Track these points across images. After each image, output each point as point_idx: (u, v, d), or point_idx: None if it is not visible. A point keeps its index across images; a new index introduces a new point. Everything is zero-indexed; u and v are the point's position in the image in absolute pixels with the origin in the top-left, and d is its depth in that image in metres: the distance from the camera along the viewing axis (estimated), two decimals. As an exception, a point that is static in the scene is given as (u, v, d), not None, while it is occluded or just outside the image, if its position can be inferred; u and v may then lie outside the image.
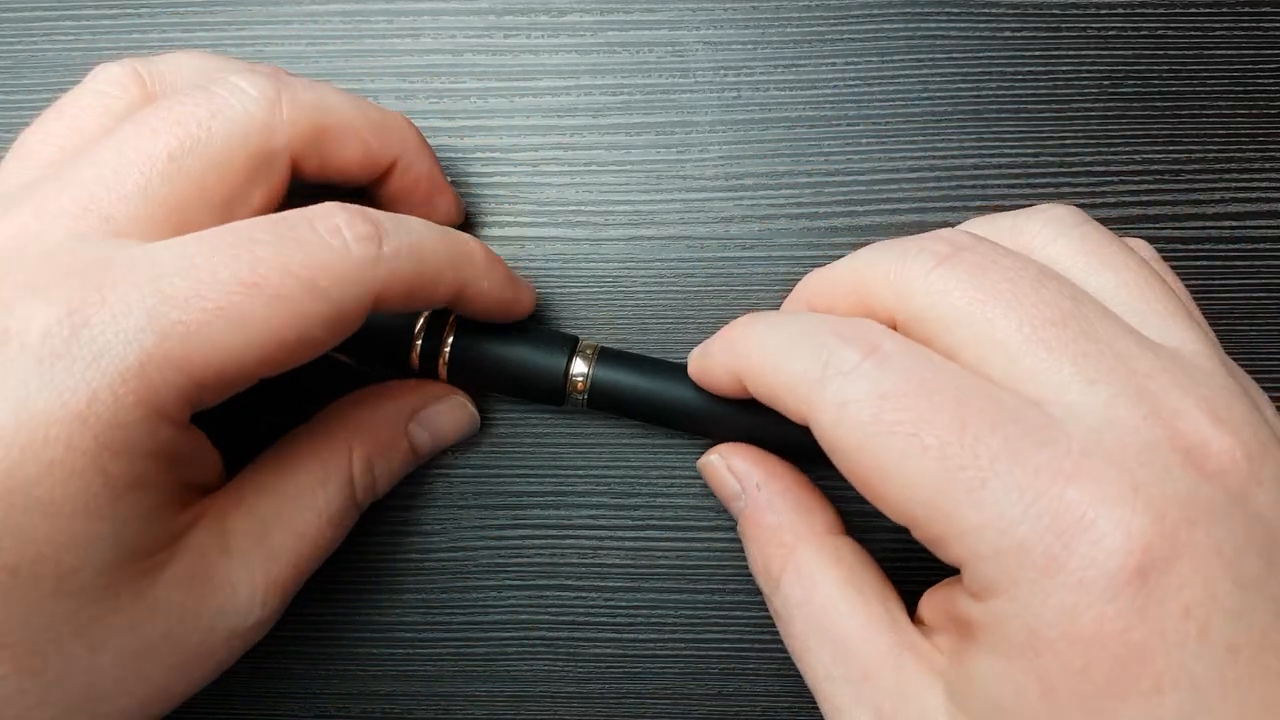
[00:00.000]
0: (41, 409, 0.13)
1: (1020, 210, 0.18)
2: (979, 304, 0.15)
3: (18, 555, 0.13)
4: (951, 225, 0.18)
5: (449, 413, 0.20)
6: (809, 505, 0.19)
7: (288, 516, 0.17)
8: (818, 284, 0.18)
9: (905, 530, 0.15)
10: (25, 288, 0.14)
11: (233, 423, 0.18)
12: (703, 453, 0.20)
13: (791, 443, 0.19)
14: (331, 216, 0.15)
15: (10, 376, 0.13)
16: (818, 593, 0.17)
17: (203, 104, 0.16)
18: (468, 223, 0.22)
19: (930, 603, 0.17)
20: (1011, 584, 0.13)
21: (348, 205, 0.16)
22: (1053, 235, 0.17)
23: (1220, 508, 0.13)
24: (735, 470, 0.19)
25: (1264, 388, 0.16)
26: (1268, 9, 0.22)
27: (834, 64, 0.22)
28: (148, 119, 0.16)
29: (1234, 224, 0.22)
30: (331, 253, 0.15)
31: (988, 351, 0.15)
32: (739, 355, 0.17)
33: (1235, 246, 0.22)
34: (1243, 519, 0.13)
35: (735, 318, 0.22)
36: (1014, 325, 0.15)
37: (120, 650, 0.15)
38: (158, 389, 0.14)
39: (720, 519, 0.22)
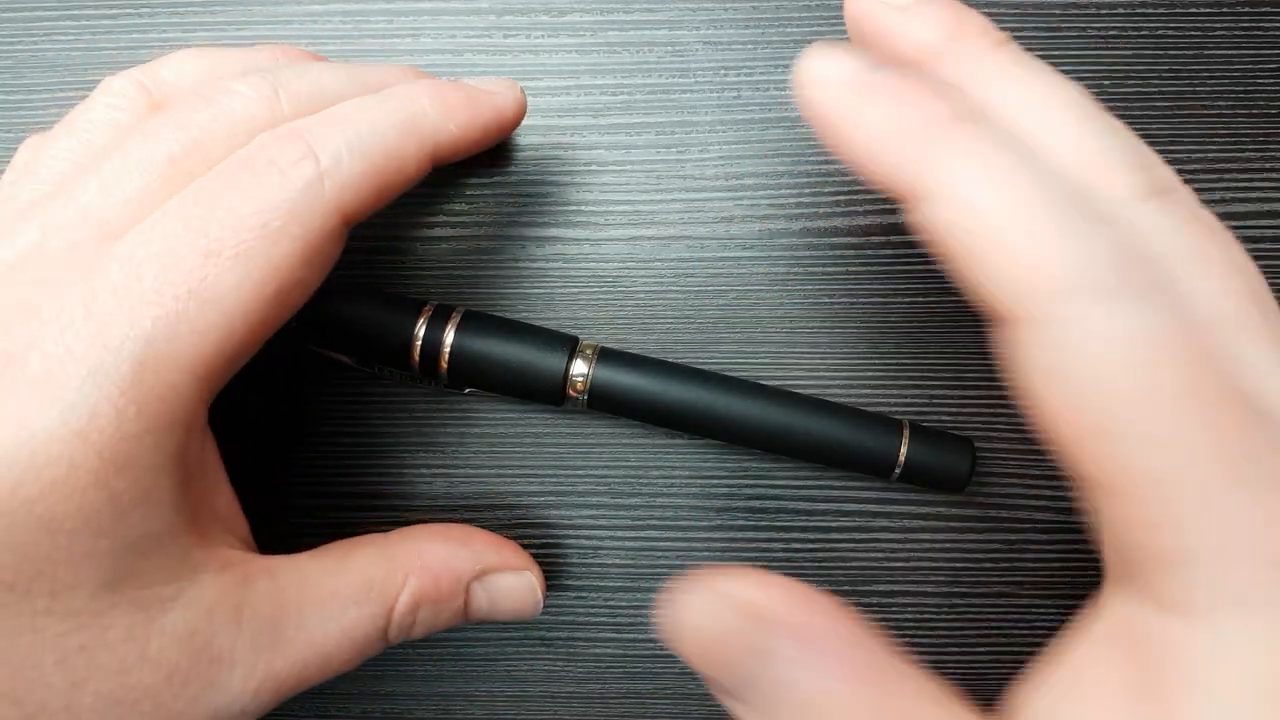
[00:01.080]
0: (42, 428, 0.13)
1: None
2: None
3: (15, 572, 0.13)
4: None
5: (516, 588, 0.19)
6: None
7: (309, 617, 0.16)
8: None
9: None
10: (19, 307, 0.14)
11: (229, 425, 0.18)
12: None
13: (794, 430, 0.19)
14: (262, 150, 0.15)
15: (10, 399, 0.13)
16: None
17: (202, 109, 0.16)
18: (468, 208, 0.22)
19: (1048, 684, 0.13)
20: (1249, 593, 0.10)
21: (276, 130, 0.15)
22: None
23: None
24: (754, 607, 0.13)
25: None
26: (1268, 9, 0.22)
27: (834, 64, 0.22)
28: (149, 127, 0.16)
29: (1234, 224, 0.22)
30: (272, 189, 0.15)
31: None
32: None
33: (1235, 246, 0.22)
34: None
35: (735, 318, 0.22)
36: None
37: (101, 694, 0.14)
38: (159, 394, 0.14)
39: (720, 519, 0.22)
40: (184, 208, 0.14)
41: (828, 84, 0.14)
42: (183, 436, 0.14)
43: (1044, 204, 0.12)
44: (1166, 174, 0.14)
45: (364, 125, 0.16)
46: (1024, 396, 0.12)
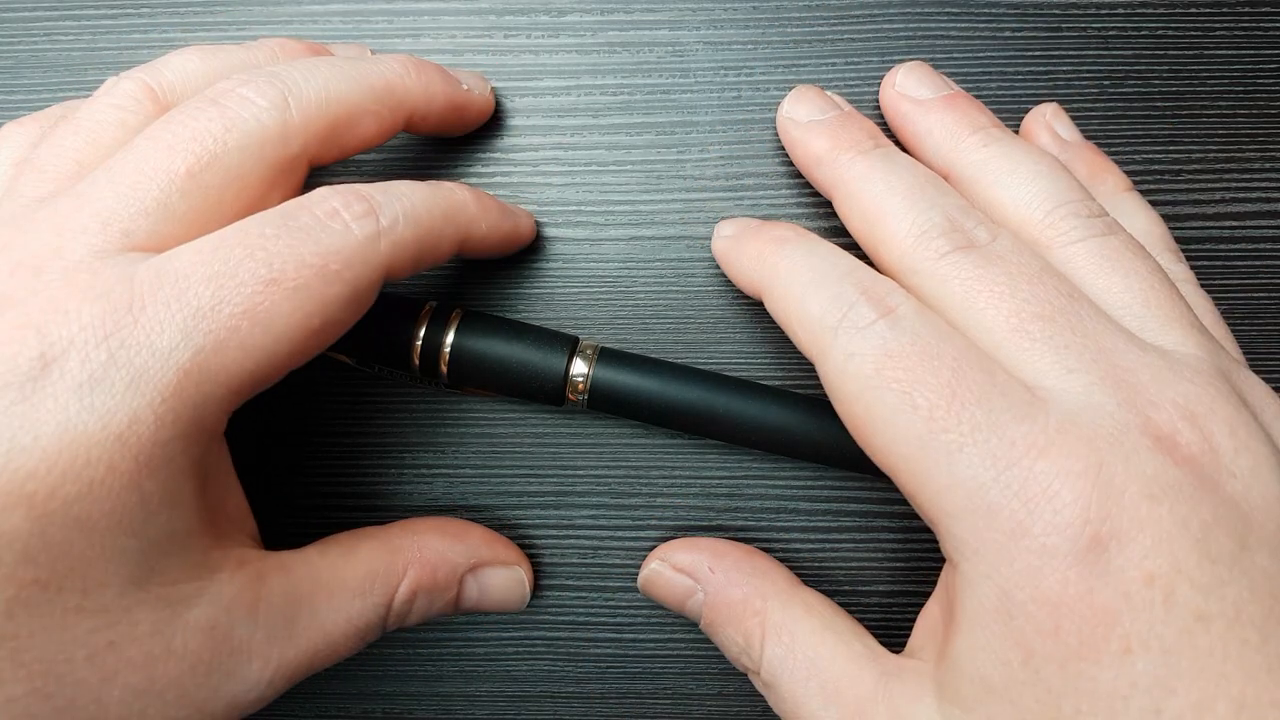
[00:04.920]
0: (83, 432, 0.13)
1: (1069, 202, 0.18)
2: (974, 295, 0.16)
3: (50, 570, 0.13)
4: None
5: (505, 581, 0.20)
6: (764, 568, 0.19)
7: (320, 608, 0.17)
8: (850, 183, 0.19)
9: (907, 533, 0.15)
10: (54, 309, 0.14)
11: (230, 426, 0.18)
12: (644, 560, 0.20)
13: (794, 430, 0.19)
14: (327, 201, 0.16)
15: (51, 401, 0.13)
16: (798, 645, 0.18)
17: (216, 119, 0.16)
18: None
19: (918, 626, 0.18)
20: (980, 544, 0.14)
21: (339, 187, 0.16)
22: (1077, 236, 0.17)
23: (1187, 489, 0.14)
24: (682, 566, 0.20)
25: (1264, 388, 0.16)
26: (1268, 9, 0.22)
27: (834, 64, 0.22)
28: (162, 135, 0.16)
29: (1234, 224, 0.22)
30: (336, 236, 0.16)
31: (976, 338, 0.16)
32: (767, 270, 0.18)
33: (1235, 246, 0.22)
34: (1212, 501, 0.14)
35: (735, 318, 0.22)
36: (1001, 316, 0.16)
37: (129, 687, 0.14)
38: (196, 404, 0.14)
39: (720, 519, 0.22)
40: (248, 235, 0.15)
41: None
42: (207, 443, 0.15)
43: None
44: None
45: (420, 204, 0.17)
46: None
